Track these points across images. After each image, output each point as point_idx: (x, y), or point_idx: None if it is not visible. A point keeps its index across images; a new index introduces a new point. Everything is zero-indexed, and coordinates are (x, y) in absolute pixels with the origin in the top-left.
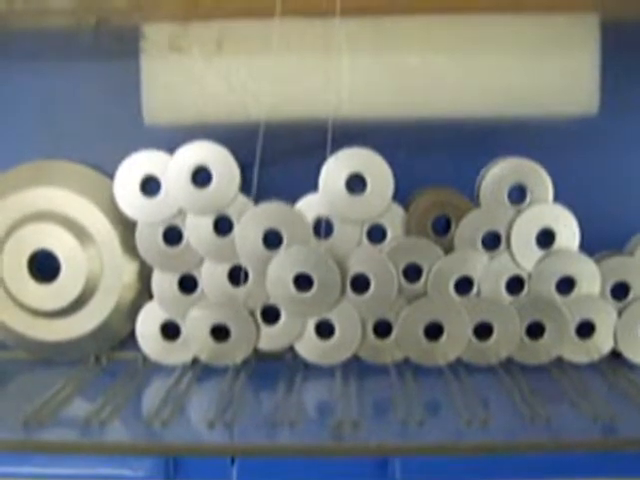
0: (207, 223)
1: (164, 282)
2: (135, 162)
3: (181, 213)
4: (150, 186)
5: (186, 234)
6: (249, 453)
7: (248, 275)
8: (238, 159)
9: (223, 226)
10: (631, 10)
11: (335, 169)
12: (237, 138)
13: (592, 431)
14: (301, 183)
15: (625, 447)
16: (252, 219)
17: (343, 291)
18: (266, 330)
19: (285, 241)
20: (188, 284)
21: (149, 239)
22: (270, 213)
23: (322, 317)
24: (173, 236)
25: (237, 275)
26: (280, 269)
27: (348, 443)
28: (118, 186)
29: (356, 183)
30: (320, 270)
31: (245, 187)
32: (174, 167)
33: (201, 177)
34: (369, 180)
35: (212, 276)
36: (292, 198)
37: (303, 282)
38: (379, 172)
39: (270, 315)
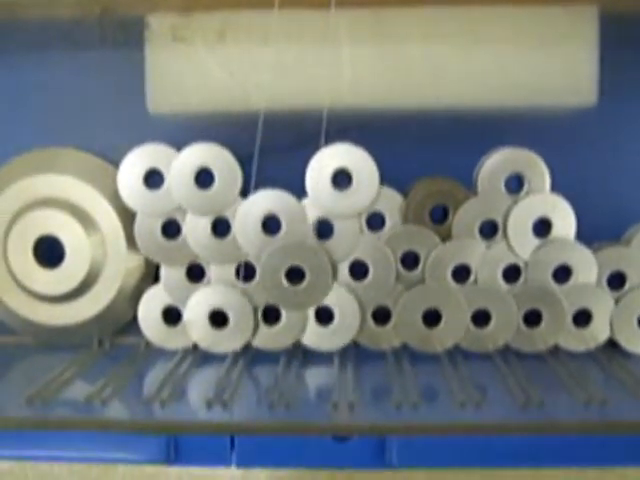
0: (205, 225)
1: (172, 271)
2: (140, 155)
3: (181, 208)
4: (153, 179)
5: (184, 232)
6: (245, 431)
7: (254, 268)
8: (239, 151)
9: (221, 229)
10: (630, 2)
11: (320, 166)
12: (239, 127)
13: (584, 415)
14: (303, 175)
15: (615, 430)
16: (250, 207)
17: (335, 281)
18: (268, 330)
19: (284, 227)
20: (196, 272)
21: (148, 232)
22: (267, 200)
23: (317, 306)
24: (172, 230)
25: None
26: (271, 263)
27: (342, 422)
28: (122, 177)
29: (342, 179)
30: (311, 261)
31: (245, 180)
32: (178, 166)
33: (204, 178)
34: (355, 175)
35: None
36: (294, 190)
37: (296, 276)
38: (364, 166)
39: (271, 315)
